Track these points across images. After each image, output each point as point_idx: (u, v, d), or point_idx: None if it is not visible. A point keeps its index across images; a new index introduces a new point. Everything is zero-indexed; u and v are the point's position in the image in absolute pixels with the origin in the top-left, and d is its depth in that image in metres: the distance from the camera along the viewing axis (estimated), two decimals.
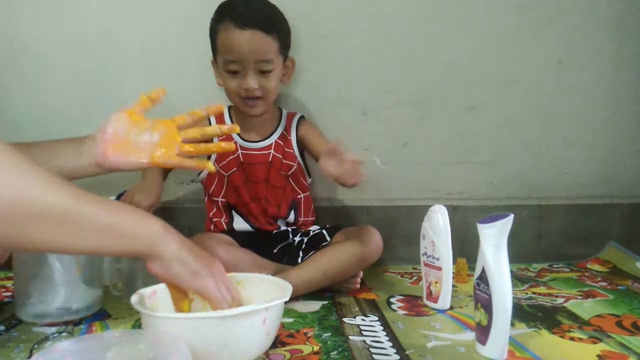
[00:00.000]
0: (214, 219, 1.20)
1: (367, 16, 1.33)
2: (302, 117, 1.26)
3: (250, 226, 1.18)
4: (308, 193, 1.25)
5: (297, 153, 1.22)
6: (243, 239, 1.14)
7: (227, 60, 1.11)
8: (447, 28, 1.35)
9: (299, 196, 1.23)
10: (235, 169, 1.17)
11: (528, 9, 1.36)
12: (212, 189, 1.19)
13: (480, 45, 1.36)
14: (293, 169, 1.21)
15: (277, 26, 1.12)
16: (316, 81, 1.34)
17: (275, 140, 1.21)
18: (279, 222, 1.21)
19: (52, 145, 0.77)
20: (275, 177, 1.19)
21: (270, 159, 1.19)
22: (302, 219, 1.23)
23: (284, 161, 1.20)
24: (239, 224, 1.19)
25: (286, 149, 1.21)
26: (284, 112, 1.26)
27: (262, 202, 1.18)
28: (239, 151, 1.18)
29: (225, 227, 1.19)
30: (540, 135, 1.40)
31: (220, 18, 1.12)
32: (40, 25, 1.27)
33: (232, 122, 1.21)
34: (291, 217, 1.21)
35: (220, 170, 1.18)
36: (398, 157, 1.38)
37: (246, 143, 1.19)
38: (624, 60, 1.39)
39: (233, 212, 1.19)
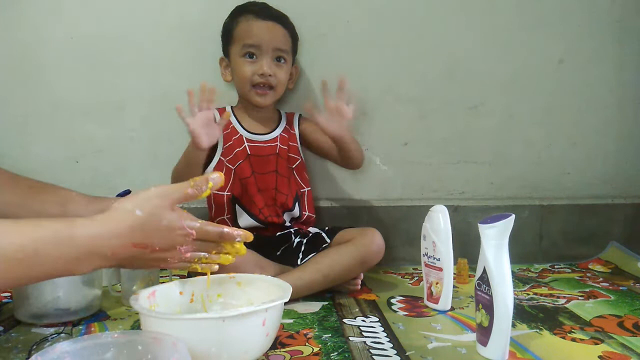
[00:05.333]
0: (217, 218, 1.19)
1: (367, 15, 1.32)
2: (301, 115, 1.30)
3: (255, 220, 1.17)
4: (310, 188, 1.26)
5: (300, 148, 1.26)
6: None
7: (246, 44, 1.16)
8: (447, 27, 1.35)
9: (302, 190, 1.24)
10: (241, 161, 1.18)
11: (529, 8, 1.35)
12: None
13: (481, 45, 1.36)
14: (297, 163, 1.24)
15: (291, 26, 1.22)
16: (316, 81, 1.33)
17: (280, 134, 1.24)
18: (285, 216, 1.21)
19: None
20: (283, 167, 1.21)
21: (277, 151, 1.21)
22: (306, 213, 1.23)
23: (289, 154, 1.23)
24: (244, 220, 1.18)
25: (290, 143, 1.24)
26: (283, 112, 1.29)
27: (271, 192, 1.19)
28: (246, 144, 1.20)
29: (230, 225, 1.18)
30: (541, 135, 1.40)
31: (238, 14, 1.20)
32: (41, 26, 1.27)
33: (236, 119, 1.22)
34: (296, 211, 1.22)
35: (228, 164, 1.18)
36: (398, 157, 1.38)
37: (252, 135, 1.21)
38: (626, 59, 1.39)
39: (237, 207, 1.19)
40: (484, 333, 0.77)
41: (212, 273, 0.74)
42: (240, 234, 0.70)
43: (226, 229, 0.69)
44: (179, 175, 1.14)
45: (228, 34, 1.21)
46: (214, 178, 0.68)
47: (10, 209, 0.75)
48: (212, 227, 0.68)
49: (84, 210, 0.77)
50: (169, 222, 0.63)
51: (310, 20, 1.29)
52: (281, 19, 1.19)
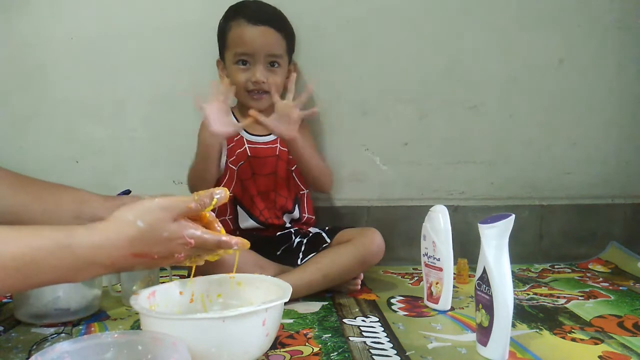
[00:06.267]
0: (219, 219, 1.19)
1: (367, 15, 1.32)
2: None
3: (255, 221, 1.18)
4: (309, 190, 1.26)
5: None
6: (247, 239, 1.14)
7: (238, 52, 1.16)
8: (447, 27, 1.34)
9: (301, 192, 1.24)
10: (242, 162, 1.19)
11: (529, 8, 1.35)
12: (222, 184, 1.19)
13: (481, 45, 1.36)
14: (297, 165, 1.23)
15: (285, 27, 1.20)
16: (316, 81, 1.33)
17: None
18: (285, 217, 1.21)
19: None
20: (282, 169, 1.21)
21: (277, 153, 1.21)
22: (305, 215, 1.23)
23: (289, 156, 1.22)
24: (245, 221, 1.18)
25: None
26: None
27: (271, 194, 1.19)
28: (246, 145, 1.20)
29: (231, 226, 1.19)
30: (541, 134, 1.40)
31: (231, 16, 1.18)
32: (41, 26, 1.27)
33: (237, 120, 1.21)
34: (296, 212, 1.22)
35: (231, 165, 1.18)
36: (398, 157, 1.38)
37: (252, 137, 1.21)
38: (626, 60, 1.39)
39: (238, 207, 1.19)
40: (484, 333, 0.77)
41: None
42: (238, 242, 0.69)
43: (224, 238, 0.68)
44: (195, 173, 1.14)
45: (222, 38, 1.20)
46: (219, 193, 0.69)
47: (25, 210, 0.75)
48: (210, 236, 0.67)
49: (100, 209, 0.77)
50: (169, 234, 0.63)
51: (310, 20, 1.29)
52: (274, 22, 1.17)
